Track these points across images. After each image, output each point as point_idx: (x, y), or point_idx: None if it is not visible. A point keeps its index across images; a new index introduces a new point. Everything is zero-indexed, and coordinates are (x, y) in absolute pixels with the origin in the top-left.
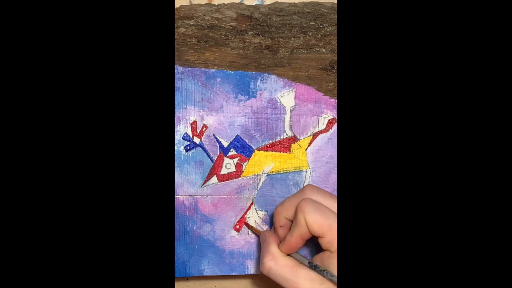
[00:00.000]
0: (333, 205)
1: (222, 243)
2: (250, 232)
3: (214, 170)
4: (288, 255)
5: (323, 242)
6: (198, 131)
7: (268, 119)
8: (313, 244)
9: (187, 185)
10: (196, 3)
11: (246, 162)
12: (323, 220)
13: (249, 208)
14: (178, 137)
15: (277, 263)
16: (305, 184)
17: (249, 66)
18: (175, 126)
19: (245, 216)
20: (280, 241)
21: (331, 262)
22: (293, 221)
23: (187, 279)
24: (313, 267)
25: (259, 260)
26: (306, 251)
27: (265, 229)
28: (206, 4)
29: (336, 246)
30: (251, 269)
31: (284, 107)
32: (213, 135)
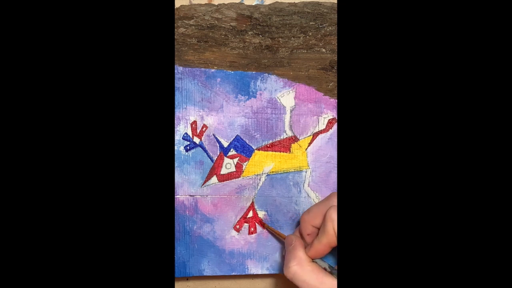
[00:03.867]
0: None
1: (222, 243)
2: (249, 231)
3: (214, 170)
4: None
5: None
6: (198, 131)
7: (268, 119)
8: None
9: (187, 185)
10: (196, 3)
11: (246, 162)
12: None
13: (250, 208)
14: (178, 137)
15: (303, 268)
16: (304, 184)
17: (249, 66)
18: (175, 126)
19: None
20: (306, 246)
21: None
22: (320, 229)
23: (187, 279)
24: (335, 271)
25: (260, 260)
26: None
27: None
28: (206, 4)
29: None
30: (251, 269)
31: (284, 107)
32: (213, 135)
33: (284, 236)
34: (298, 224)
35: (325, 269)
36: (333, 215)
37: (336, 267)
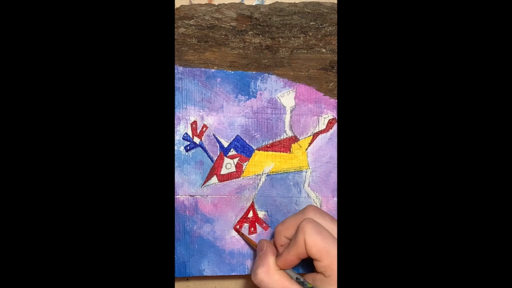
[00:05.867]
0: (333, 228)
1: (222, 243)
2: (249, 231)
3: (214, 170)
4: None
5: (319, 266)
6: (198, 131)
7: (268, 119)
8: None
9: (187, 185)
10: (196, 3)
11: (246, 162)
12: (322, 245)
13: (250, 208)
14: (178, 137)
15: (270, 276)
16: (305, 185)
17: (249, 66)
18: (175, 126)
19: (241, 225)
20: (277, 255)
21: (323, 286)
22: (292, 239)
23: (187, 279)
24: (301, 283)
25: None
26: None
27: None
28: (206, 4)
29: (331, 271)
30: (251, 269)
31: (284, 107)
32: (213, 135)
33: (256, 244)
34: (273, 235)
35: (297, 279)
36: (306, 227)
37: (305, 278)
